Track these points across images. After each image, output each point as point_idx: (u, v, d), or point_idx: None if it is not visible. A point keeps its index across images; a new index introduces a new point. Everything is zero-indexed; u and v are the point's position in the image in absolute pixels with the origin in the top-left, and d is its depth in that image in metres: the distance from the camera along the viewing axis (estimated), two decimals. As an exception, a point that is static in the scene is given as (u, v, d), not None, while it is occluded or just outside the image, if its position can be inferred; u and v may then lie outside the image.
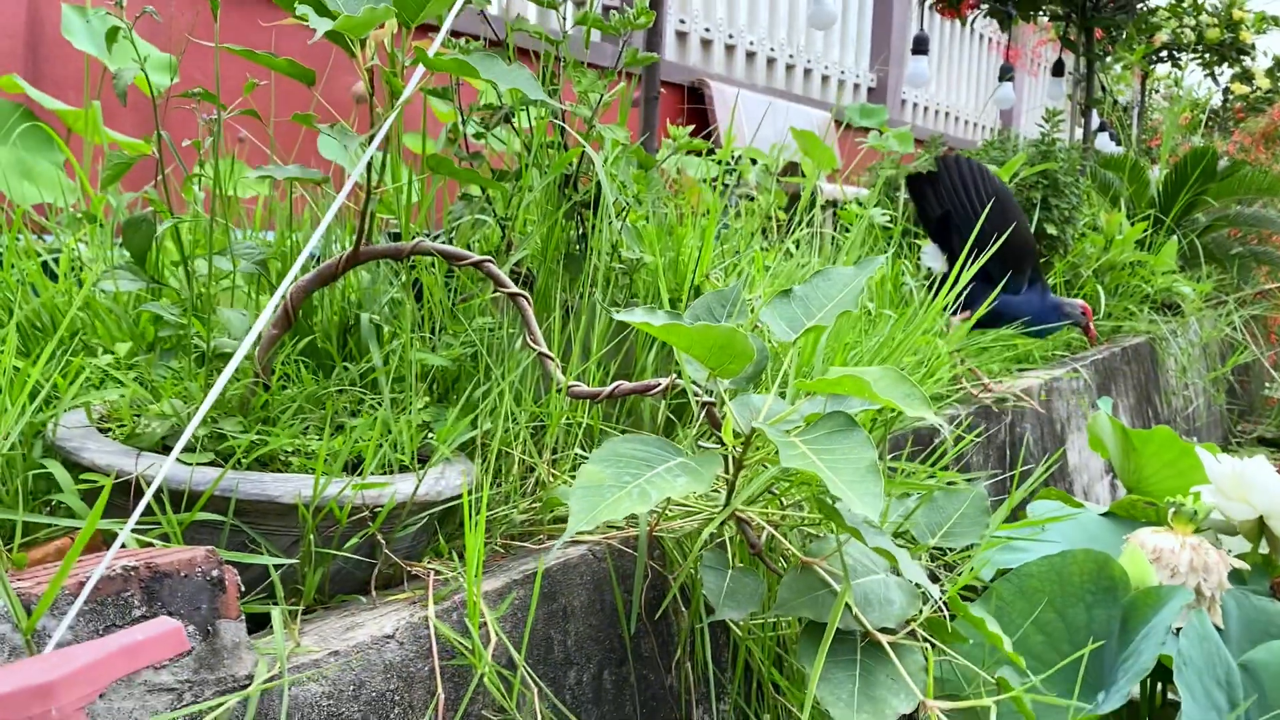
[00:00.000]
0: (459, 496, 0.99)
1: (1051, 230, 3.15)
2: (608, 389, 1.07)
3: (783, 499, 1.10)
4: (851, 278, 1.00)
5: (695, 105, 5.10)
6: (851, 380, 0.85)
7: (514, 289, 1.10)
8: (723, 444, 1.02)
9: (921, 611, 0.94)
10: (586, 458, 1.16)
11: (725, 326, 0.88)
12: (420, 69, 0.92)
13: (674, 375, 1.04)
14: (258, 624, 0.85)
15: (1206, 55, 6.96)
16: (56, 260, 1.38)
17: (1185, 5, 5.97)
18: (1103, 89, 5.66)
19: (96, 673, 0.53)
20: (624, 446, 0.88)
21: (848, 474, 0.79)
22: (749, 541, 1.05)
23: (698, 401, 1.03)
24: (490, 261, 1.08)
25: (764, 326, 1.00)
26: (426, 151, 1.25)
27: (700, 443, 1.12)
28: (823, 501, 0.92)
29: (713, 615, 0.94)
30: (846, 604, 0.89)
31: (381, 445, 0.96)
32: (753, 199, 2.66)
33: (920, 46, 4.30)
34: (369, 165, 0.97)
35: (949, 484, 1.23)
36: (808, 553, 0.98)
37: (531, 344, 1.09)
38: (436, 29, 0.92)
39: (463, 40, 1.26)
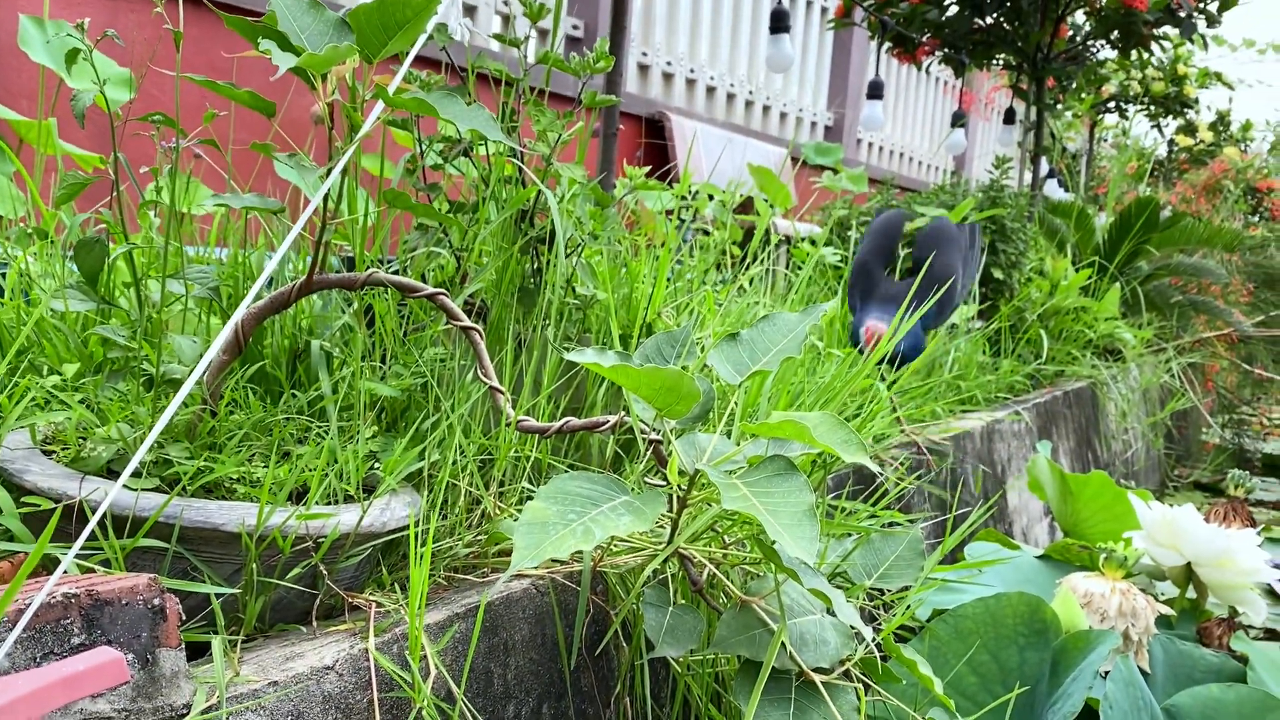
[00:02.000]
0: (404, 528, 1.00)
1: (998, 274, 3.22)
2: (556, 424, 1.08)
3: (725, 537, 1.12)
4: (796, 324, 1.02)
5: (655, 138, 5.15)
6: (792, 425, 0.87)
7: (466, 322, 1.11)
8: (668, 482, 1.04)
9: (856, 652, 0.96)
10: (534, 491, 1.17)
11: (672, 370, 0.90)
12: (378, 105, 0.94)
13: (622, 413, 1.06)
14: (198, 652, 0.85)
15: (1152, 107, 7.17)
16: (3, 275, 1.37)
17: (1133, 59, 6.15)
18: (1052, 137, 5.80)
19: (35, 702, 0.53)
20: (570, 484, 0.89)
21: (785, 518, 0.81)
22: (690, 579, 1.07)
23: (644, 439, 1.05)
24: (444, 294, 1.09)
25: (711, 369, 1.02)
26: (385, 176, 1.26)
27: (647, 479, 1.14)
28: (761, 541, 0.94)
29: (653, 652, 0.96)
30: (782, 643, 0.91)
31: (327, 475, 0.97)
32: (708, 234, 2.69)
33: (875, 91, 4.39)
34: (325, 197, 0.98)
35: (890, 524, 1.26)
36: (747, 591, 1.00)
37: (483, 377, 1.10)
38: (399, 59, 0.94)
39: (424, 73, 1.28)
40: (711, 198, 3.22)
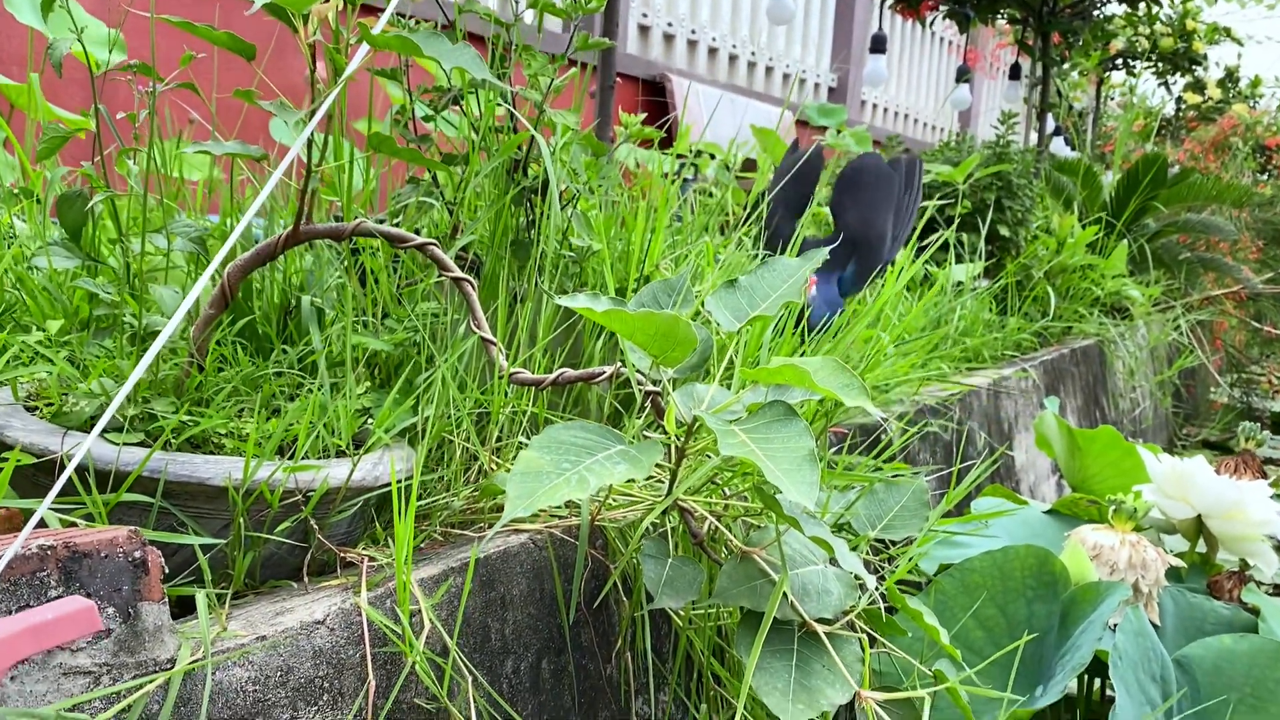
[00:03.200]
0: (396, 482, 0.98)
1: (1004, 232, 3.18)
2: (551, 376, 1.06)
3: (725, 489, 1.09)
4: (796, 268, 0.99)
5: (656, 98, 5.10)
6: (792, 370, 0.84)
7: (458, 273, 1.08)
8: (666, 433, 1.02)
9: (859, 603, 0.94)
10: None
11: (668, 314, 0.87)
12: (363, 48, 0.91)
13: (619, 364, 1.04)
14: (186, 609, 0.83)
15: (1160, 64, 7.08)
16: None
17: (1140, 14, 6.06)
18: (1059, 94, 5.73)
19: (2, 651, 0.51)
20: (564, 434, 0.87)
21: (785, 462, 0.78)
22: (690, 531, 1.05)
23: (641, 390, 1.03)
24: (434, 245, 1.07)
25: (709, 315, 1.00)
26: (374, 129, 1.23)
27: (645, 433, 1.11)
28: (762, 491, 0.91)
29: (652, 604, 0.94)
30: (784, 593, 0.89)
31: (316, 428, 0.95)
32: (712, 195, 2.66)
33: (878, 45, 4.32)
34: (309, 142, 0.95)
35: (894, 476, 1.23)
36: (749, 542, 0.97)
37: (475, 329, 1.08)
38: (380, 10, 0.91)
39: (412, 20, 1.25)
40: (713, 157, 3.18)
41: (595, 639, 1.10)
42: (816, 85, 6.82)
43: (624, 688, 1.12)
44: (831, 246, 1.60)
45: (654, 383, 1.02)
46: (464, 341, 1.19)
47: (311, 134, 0.92)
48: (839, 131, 4.84)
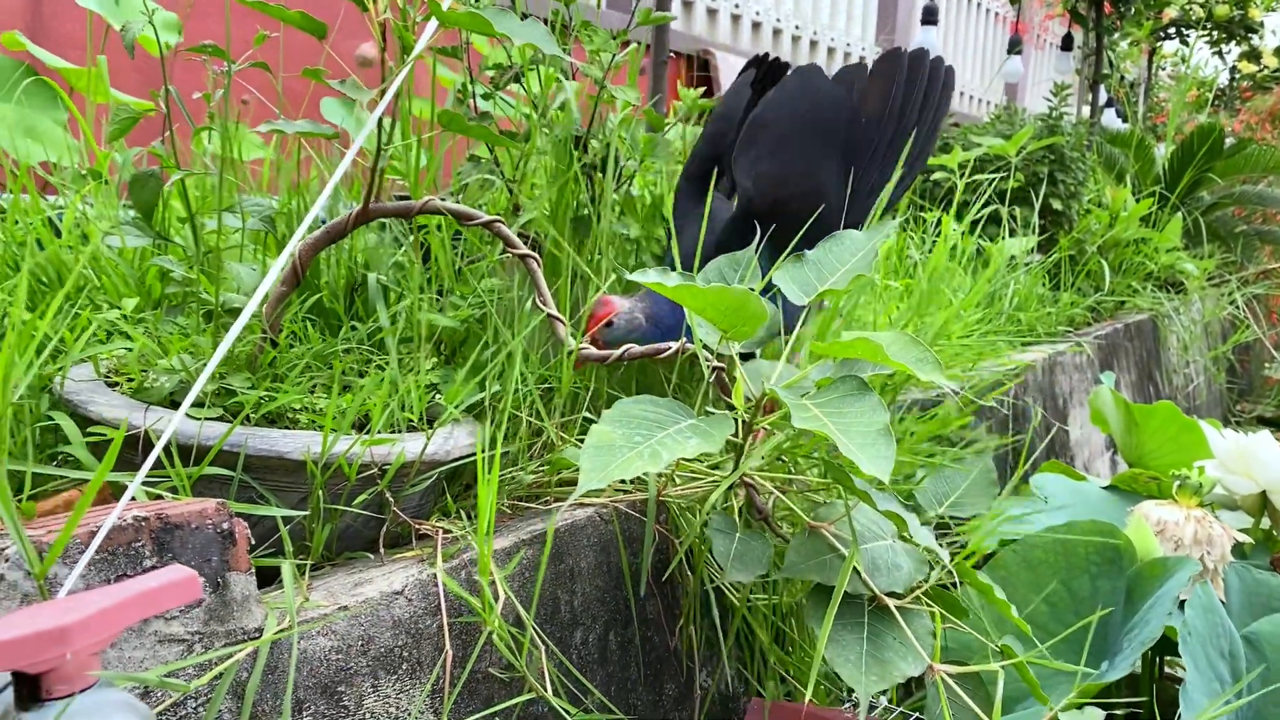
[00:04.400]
0: (467, 456, 0.99)
1: (1057, 205, 3.14)
2: (617, 352, 1.06)
3: (790, 465, 1.10)
4: (865, 242, 0.99)
5: (700, 74, 5.07)
6: (864, 344, 0.84)
7: (524, 250, 1.09)
8: (732, 409, 1.02)
9: (929, 577, 0.94)
10: (595, 421, 1.16)
11: (739, 289, 0.87)
12: (431, 25, 0.91)
13: (684, 340, 1.04)
14: (265, 580, 0.85)
15: (1214, 32, 6.92)
16: (60, 217, 1.37)
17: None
18: (1110, 64, 5.62)
19: (111, 619, 0.52)
20: (635, 408, 0.87)
21: (859, 437, 0.78)
22: (755, 506, 1.05)
23: (708, 366, 1.03)
24: (500, 221, 1.07)
25: (776, 290, 1.00)
26: (435, 112, 1.24)
27: (709, 409, 1.11)
28: (832, 465, 0.92)
29: (722, 577, 0.94)
30: (855, 568, 0.89)
31: (389, 404, 0.96)
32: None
33: (930, 17, 4.26)
34: (380, 122, 0.96)
35: (965, 446, 1.23)
36: (816, 518, 0.98)
37: (541, 305, 1.08)
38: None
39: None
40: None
41: (660, 612, 1.11)
42: (862, 57, 6.74)
43: (687, 660, 1.13)
44: (733, 219, 1.17)
45: (719, 357, 1.02)
46: (529, 316, 1.20)
47: (381, 114, 0.93)
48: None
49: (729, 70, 5.09)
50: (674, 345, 1.04)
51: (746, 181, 1.21)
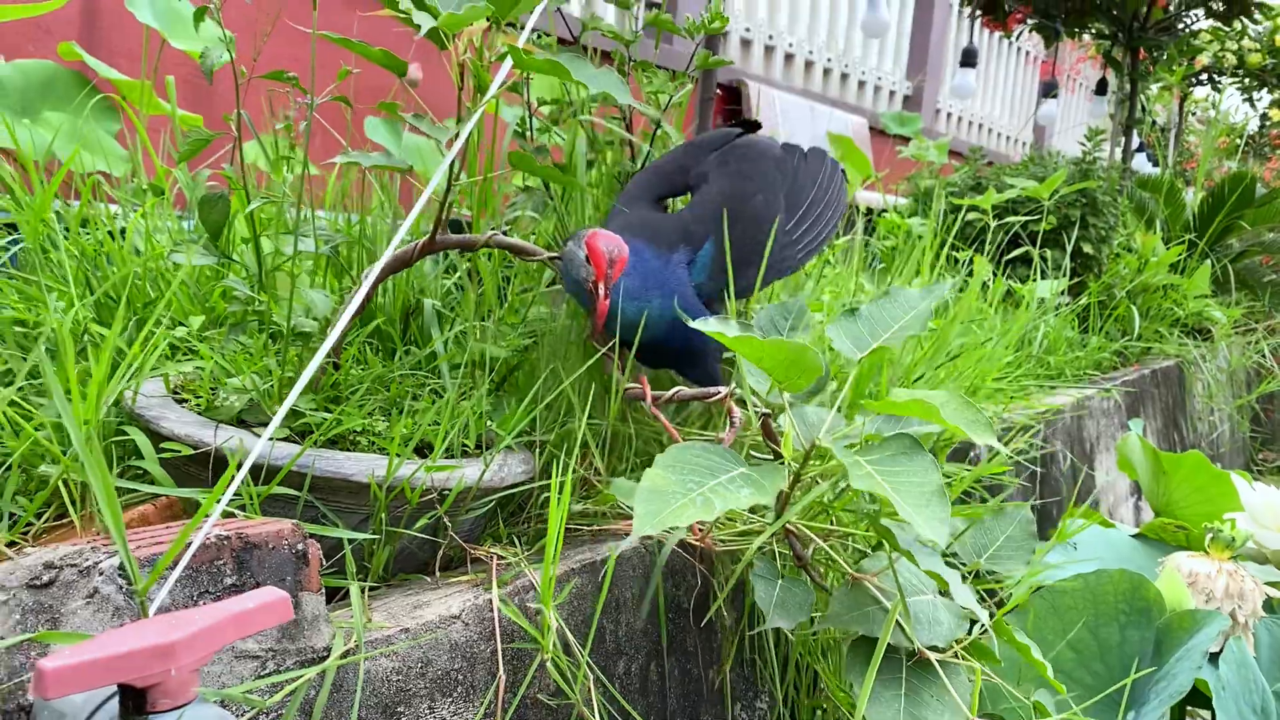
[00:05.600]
0: (521, 484, 1.02)
1: (1088, 249, 3.16)
2: (667, 394, 1.09)
3: (832, 515, 1.12)
4: (918, 300, 1.01)
5: (732, 105, 5.11)
6: (919, 404, 0.86)
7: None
8: (777, 457, 1.04)
9: (970, 632, 0.96)
10: (629, 455, 1.18)
11: (798, 343, 0.90)
12: (506, 64, 0.95)
13: (734, 385, 1.06)
14: (327, 597, 0.87)
15: (1246, 80, 6.93)
16: (123, 232, 1.41)
17: (1229, 30, 5.95)
18: (1143, 109, 5.64)
19: (211, 637, 0.55)
20: (688, 454, 0.89)
21: (914, 498, 0.80)
22: (795, 553, 1.07)
23: (756, 412, 1.05)
24: (559, 258, 1.10)
25: (828, 342, 1.02)
26: (498, 150, 1.28)
27: (752, 454, 1.14)
28: (875, 520, 0.94)
29: (764, 624, 0.96)
30: (897, 621, 0.91)
31: (451, 432, 0.99)
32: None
33: (969, 59, 4.29)
34: (452, 161, 0.99)
35: (997, 503, 1.24)
36: (858, 569, 1.00)
37: (594, 343, 1.11)
38: (511, 24, 0.95)
39: (535, 35, 1.28)
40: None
41: (699, 646, 1.13)
42: (893, 92, 6.78)
43: (725, 694, 1.15)
44: (684, 215, 1.20)
45: (767, 406, 1.05)
46: (576, 349, 1.22)
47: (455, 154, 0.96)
48: (908, 141, 4.81)
49: (761, 101, 5.13)
50: (723, 390, 1.07)
51: (712, 186, 1.29)
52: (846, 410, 1.03)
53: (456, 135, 0.90)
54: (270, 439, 0.90)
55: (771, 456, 1.04)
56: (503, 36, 1.02)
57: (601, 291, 1.03)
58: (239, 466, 0.72)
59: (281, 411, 0.73)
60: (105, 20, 2.80)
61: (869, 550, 1.10)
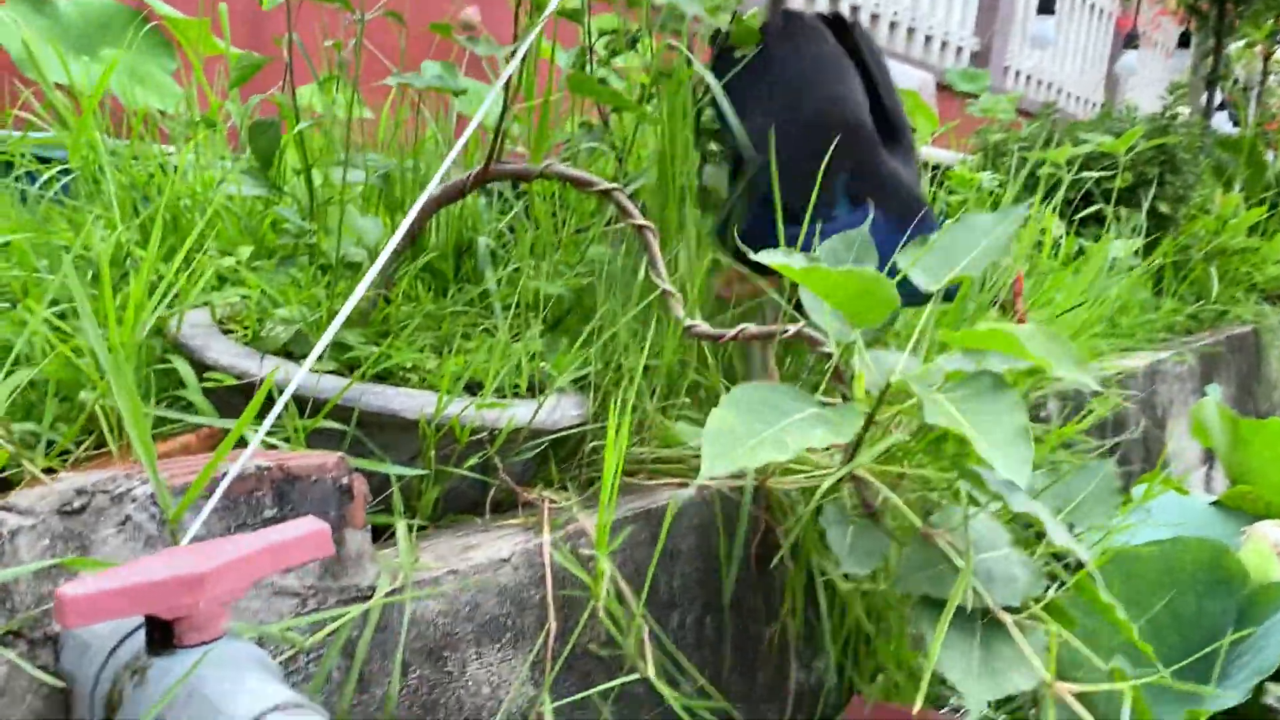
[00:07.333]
0: (573, 427, 0.97)
1: (1164, 208, 3.03)
2: (732, 332, 1.03)
3: (904, 462, 1.06)
4: (993, 225, 0.95)
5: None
6: (1002, 335, 0.81)
7: (641, 220, 1.07)
8: (845, 398, 0.99)
9: (1048, 590, 0.90)
10: (688, 400, 1.14)
11: (869, 272, 0.84)
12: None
13: (803, 323, 1.01)
14: (373, 536, 0.84)
15: (1335, 39, 6.62)
16: (174, 165, 1.38)
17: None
18: (1226, 66, 5.42)
19: (244, 569, 0.51)
20: (755, 394, 0.84)
21: (996, 436, 0.75)
22: (864, 502, 1.02)
23: (823, 351, 1.00)
24: (619, 190, 1.05)
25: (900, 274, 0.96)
26: (558, 76, 1.22)
27: (821, 397, 1.08)
28: (961, 464, 0.88)
29: (839, 569, 0.92)
30: (969, 582, 0.85)
31: (503, 371, 0.94)
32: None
33: (1047, 6, 4.11)
34: (507, 82, 0.94)
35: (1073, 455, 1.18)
36: (929, 523, 0.94)
37: (655, 279, 1.06)
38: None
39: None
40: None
41: (757, 600, 1.08)
42: (960, 49, 6.59)
43: (782, 650, 1.11)
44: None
45: (838, 345, 0.99)
46: (634, 288, 1.17)
47: (509, 74, 0.91)
48: (975, 97, 4.65)
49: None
50: (791, 328, 1.01)
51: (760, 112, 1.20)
52: (925, 349, 0.97)
53: (514, 52, 0.85)
54: (315, 370, 0.86)
55: (839, 399, 0.98)
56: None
57: None
58: (283, 398, 0.68)
59: (324, 339, 0.69)
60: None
61: (940, 503, 1.04)
